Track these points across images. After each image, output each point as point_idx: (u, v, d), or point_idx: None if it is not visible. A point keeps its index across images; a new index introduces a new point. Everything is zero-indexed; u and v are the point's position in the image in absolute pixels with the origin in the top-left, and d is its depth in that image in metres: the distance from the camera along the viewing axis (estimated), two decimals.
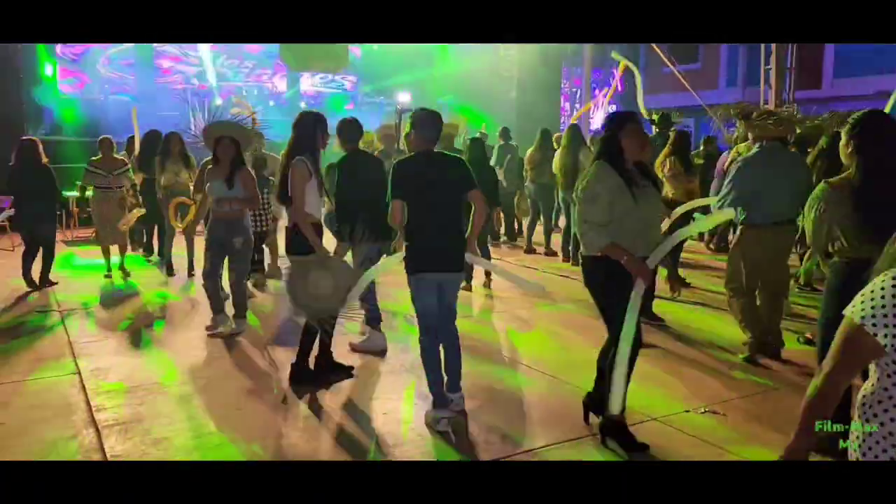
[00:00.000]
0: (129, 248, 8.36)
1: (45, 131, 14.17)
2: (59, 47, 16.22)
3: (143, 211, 8.03)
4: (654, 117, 8.35)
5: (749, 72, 18.39)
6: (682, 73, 17.63)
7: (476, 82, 17.46)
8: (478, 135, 11.39)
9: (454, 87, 18.30)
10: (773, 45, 13.29)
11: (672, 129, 8.05)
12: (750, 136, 5.31)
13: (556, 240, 9.28)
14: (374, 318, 5.28)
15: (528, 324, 6.18)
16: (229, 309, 5.71)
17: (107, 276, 7.73)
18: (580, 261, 3.73)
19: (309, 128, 4.49)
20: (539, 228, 9.62)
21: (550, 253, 9.23)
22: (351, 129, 5.17)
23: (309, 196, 4.39)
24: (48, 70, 15.47)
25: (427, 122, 3.92)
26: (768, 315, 5.02)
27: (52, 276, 7.39)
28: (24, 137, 7.75)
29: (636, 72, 11.14)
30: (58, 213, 8.04)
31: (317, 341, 4.56)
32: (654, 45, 17.76)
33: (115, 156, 7.80)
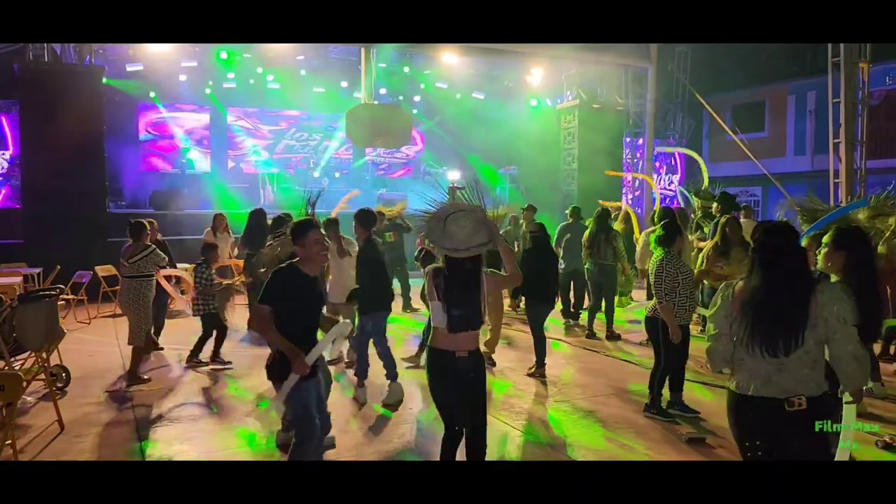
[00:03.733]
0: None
1: (126, 205, 14.97)
2: (142, 125, 17.24)
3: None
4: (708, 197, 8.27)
5: (818, 140, 18.01)
6: (747, 142, 17.46)
7: (536, 153, 17.64)
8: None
9: (515, 158, 18.55)
10: (842, 117, 13.03)
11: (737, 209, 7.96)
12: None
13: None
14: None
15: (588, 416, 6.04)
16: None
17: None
18: None
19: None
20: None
21: (613, 336, 8.97)
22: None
23: None
24: (130, 146, 16.43)
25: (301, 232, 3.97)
26: None
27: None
28: (135, 220, 7.74)
29: (699, 160, 11.20)
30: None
31: None
32: (714, 114, 17.72)
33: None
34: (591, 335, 9.01)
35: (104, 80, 13.03)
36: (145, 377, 6.97)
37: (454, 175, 16.74)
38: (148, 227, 7.51)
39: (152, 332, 7.91)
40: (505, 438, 5.40)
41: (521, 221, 10.96)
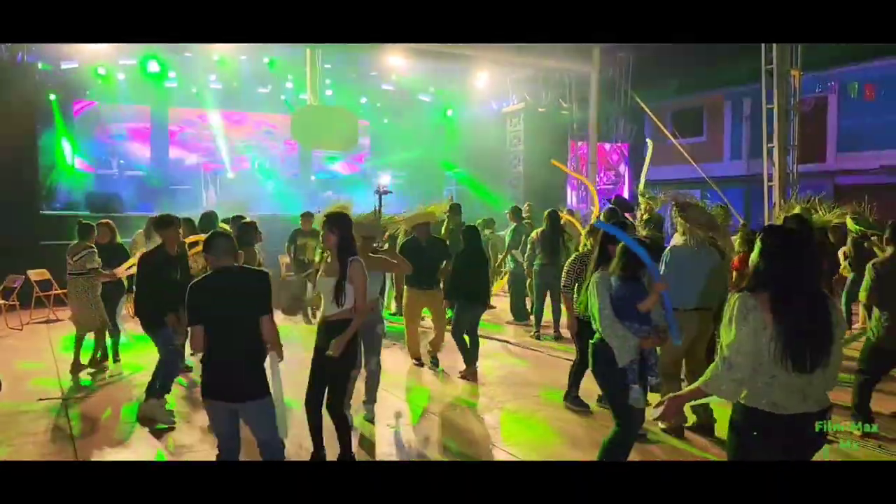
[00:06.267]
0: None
1: (60, 207, 14.44)
2: (77, 124, 16.67)
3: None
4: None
5: (753, 145, 18.64)
6: (686, 146, 17.92)
7: (483, 156, 17.74)
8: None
9: (461, 160, 18.62)
10: (775, 123, 13.49)
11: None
12: (679, 226, 5.48)
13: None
14: None
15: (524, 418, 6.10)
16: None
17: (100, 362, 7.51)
18: None
19: None
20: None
21: (559, 336, 9.00)
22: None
23: None
24: (65, 146, 15.86)
25: (216, 245, 3.74)
26: None
27: None
28: (101, 221, 7.72)
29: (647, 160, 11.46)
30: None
31: None
32: (655, 119, 18.14)
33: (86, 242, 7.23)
34: (538, 336, 9.10)
35: (37, 75, 12.58)
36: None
37: (384, 179, 16.73)
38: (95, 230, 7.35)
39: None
40: (450, 440, 5.43)
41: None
